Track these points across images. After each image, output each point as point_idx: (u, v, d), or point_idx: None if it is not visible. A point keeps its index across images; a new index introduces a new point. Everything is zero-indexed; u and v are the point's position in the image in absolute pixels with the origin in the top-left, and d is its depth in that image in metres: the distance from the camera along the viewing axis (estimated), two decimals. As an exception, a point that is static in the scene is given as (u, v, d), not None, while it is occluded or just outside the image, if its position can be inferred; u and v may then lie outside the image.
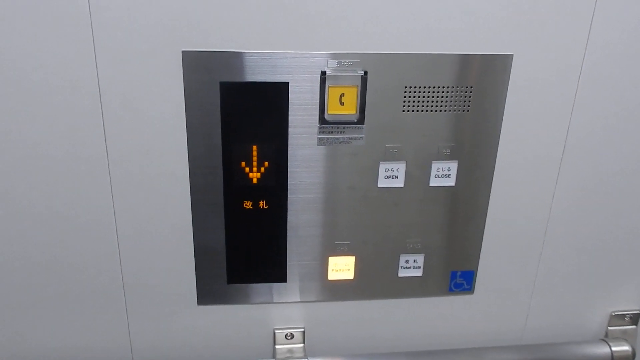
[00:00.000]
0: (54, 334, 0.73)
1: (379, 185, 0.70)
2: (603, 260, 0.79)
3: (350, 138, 0.67)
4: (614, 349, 0.79)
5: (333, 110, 0.65)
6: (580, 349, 0.80)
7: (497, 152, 0.70)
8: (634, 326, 0.84)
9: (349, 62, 0.63)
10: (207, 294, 0.73)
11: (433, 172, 0.70)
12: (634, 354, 0.79)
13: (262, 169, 0.67)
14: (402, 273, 0.75)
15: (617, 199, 0.75)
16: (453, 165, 0.70)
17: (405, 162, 0.69)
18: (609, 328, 0.83)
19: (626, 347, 0.79)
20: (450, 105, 0.66)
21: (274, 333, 0.77)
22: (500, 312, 0.80)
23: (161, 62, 0.61)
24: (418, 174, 0.70)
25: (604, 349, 0.79)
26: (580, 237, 0.77)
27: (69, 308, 0.72)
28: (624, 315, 0.83)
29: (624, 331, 0.84)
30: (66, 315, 0.72)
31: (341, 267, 0.74)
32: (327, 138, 0.66)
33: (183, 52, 0.60)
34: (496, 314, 0.80)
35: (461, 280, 0.77)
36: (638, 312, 0.83)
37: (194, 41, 0.60)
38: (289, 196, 0.69)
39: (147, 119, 0.63)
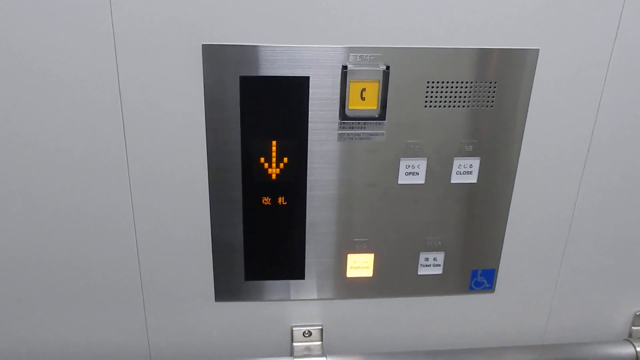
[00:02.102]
0: (72, 329, 0.73)
1: (400, 181, 0.69)
2: (627, 259, 0.78)
3: (371, 134, 0.66)
4: (638, 349, 0.78)
5: (354, 105, 0.64)
6: (603, 349, 0.79)
7: (520, 149, 0.69)
8: (658, 326, 0.83)
9: (370, 56, 0.62)
10: (224, 291, 0.73)
11: (455, 168, 0.69)
12: (659, 355, 0.78)
13: (281, 165, 0.66)
14: (421, 271, 0.74)
15: (642, 197, 0.74)
16: (475, 162, 0.69)
17: (426, 158, 0.68)
18: (633, 328, 0.82)
19: (651, 348, 0.78)
20: (473, 101, 0.65)
21: (292, 330, 0.76)
22: (522, 311, 0.79)
23: (181, 56, 0.60)
24: (439, 170, 0.68)
25: (628, 349, 0.78)
26: (604, 236, 0.76)
27: (87, 304, 0.72)
28: (649, 315, 0.82)
29: (649, 331, 0.82)
30: (84, 312, 0.72)
31: (360, 265, 0.73)
32: (348, 134, 0.65)
33: (203, 45, 0.60)
34: (518, 313, 0.79)
35: (482, 278, 0.76)
36: (663, 312, 0.82)
37: (214, 35, 0.59)
38: (308, 193, 0.68)
39: (166, 113, 0.62)
